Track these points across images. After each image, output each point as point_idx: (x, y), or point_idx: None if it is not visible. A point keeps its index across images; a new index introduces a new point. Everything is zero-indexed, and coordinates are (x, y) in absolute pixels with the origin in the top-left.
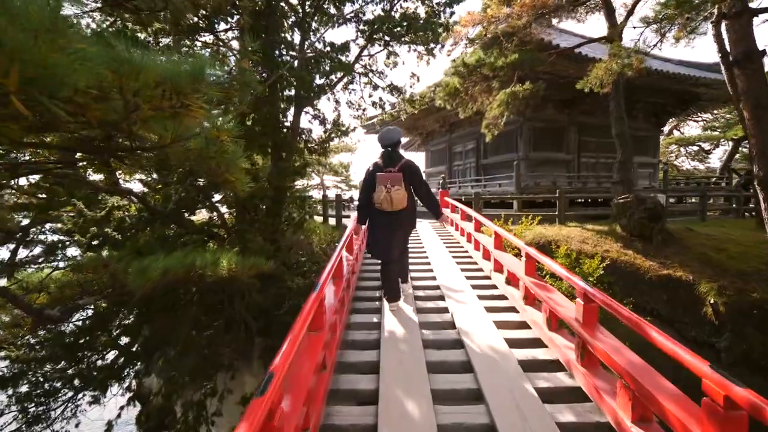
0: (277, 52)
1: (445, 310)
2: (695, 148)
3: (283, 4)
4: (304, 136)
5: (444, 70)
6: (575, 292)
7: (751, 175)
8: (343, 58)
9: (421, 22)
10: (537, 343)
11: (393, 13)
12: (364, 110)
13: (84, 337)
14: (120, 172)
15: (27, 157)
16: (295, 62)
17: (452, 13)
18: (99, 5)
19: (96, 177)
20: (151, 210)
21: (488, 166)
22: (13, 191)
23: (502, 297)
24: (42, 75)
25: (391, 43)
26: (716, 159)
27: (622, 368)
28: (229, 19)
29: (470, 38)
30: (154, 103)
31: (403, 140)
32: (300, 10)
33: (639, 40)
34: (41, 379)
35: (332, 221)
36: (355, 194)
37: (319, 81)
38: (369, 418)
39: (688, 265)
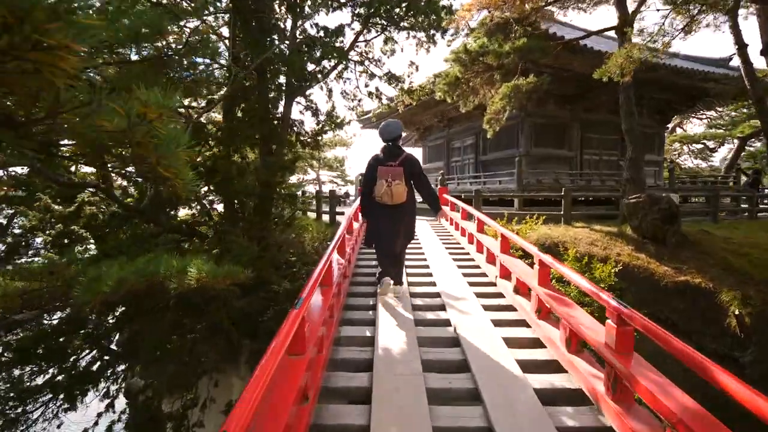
0: (267, 39)
1: (447, 323)
2: (699, 146)
3: None
4: (295, 128)
5: (444, 58)
6: (606, 312)
7: (760, 174)
8: (338, 44)
9: (422, 3)
10: (554, 366)
11: None
12: (359, 101)
13: (57, 339)
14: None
15: None
16: (286, 50)
17: None
18: None
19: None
20: (124, 206)
21: (488, 163)
22: None
23: (511, 308)
24: None
25: (388, 28)
26: (718, 158)
27: (672, 413)
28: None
29: (472, 27)
30: None
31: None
32: None
33: (664, 23)
34: (15, 381)
35: (326, 218)
36: (351, 190)
37: (311, 68)
38: None
39: (707, 272)
